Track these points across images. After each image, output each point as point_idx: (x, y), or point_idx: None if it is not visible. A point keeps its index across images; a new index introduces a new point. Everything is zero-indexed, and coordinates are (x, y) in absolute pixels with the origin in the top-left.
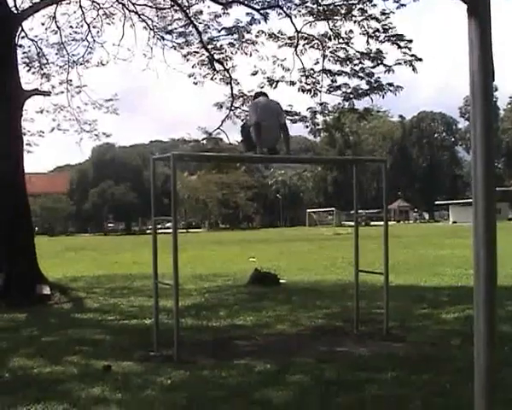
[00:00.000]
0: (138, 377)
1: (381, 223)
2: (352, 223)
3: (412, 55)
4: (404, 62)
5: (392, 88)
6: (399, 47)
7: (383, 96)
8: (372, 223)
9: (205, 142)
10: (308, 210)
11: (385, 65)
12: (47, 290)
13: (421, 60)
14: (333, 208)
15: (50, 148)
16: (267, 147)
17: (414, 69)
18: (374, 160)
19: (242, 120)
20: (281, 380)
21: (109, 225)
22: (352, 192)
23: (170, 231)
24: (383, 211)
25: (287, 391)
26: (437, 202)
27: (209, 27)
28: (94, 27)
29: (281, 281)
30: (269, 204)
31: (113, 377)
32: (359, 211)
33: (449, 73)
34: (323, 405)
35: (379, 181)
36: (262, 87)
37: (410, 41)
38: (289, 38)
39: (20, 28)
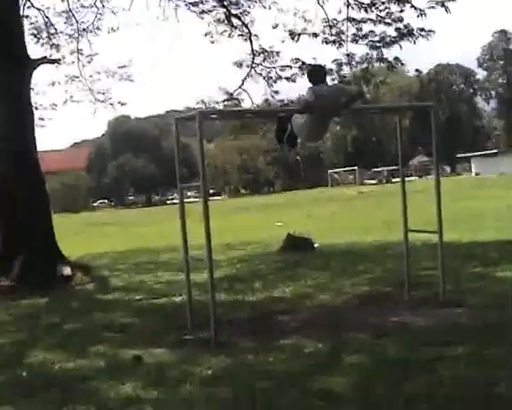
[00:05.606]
0: (174, 369)
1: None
2: (374, 181)
3: None
4: (436, 3)
5: (423, 33)
6: None
7: (414, 42)
8: (394, 180)
9: (226, 103)
10: (330, 171)
11: (415, 7)
12: (68, 271)
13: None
14: (354, 167)
15: (65, 124)
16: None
17: (446, 10)
18: (420, 106)
19: (264, 78)
20: (337, 363)
21: (130, 197)
22: (373, 150)
23: (192, 200)
24: (433, 162)
25: (347, 377)
26: (458, 155)
27: None
28: None
29: (315, 246)
30: (289, 167)
31: (145, 369)
32: (380, 168)
33: (464, 23)
34: (394, 392)
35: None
36: (283, 41)
37: None
38: None
39: None
